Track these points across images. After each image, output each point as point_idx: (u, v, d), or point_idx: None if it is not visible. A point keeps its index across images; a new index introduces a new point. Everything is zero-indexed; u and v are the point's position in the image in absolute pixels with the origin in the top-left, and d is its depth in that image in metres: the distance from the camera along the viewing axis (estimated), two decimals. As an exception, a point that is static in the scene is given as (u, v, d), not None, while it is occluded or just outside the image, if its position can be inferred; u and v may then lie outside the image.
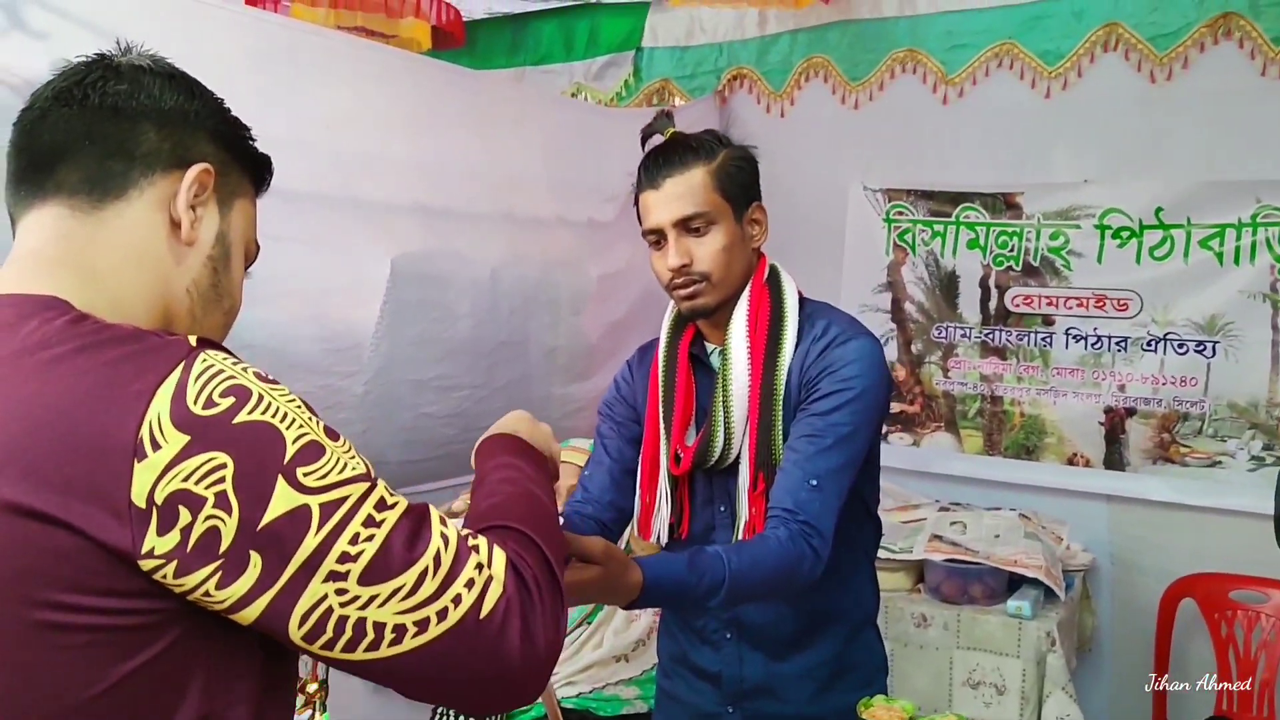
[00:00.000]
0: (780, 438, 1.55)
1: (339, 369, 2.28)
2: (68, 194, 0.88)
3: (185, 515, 0.74)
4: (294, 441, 0.78)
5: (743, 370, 1.57)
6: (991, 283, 3.26)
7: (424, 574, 0.80)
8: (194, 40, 1.98)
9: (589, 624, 2.21)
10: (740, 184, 1.58)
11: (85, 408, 0.75)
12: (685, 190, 1.53)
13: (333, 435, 0.82)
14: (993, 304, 3.27)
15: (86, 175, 0.88)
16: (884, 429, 2.49)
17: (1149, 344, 3.03)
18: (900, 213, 3.38)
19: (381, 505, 0.81)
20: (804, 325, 1.60)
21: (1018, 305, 3.22)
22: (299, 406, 0.81)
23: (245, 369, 0.81)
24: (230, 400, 0.77)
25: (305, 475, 0.77)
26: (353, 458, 0.82)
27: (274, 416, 0.78)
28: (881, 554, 2.29)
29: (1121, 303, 3.05)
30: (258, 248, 1.03)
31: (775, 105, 3.52)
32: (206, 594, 0.76)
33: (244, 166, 0.98)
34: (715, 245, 1.55)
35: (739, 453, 1.58)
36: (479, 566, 0.83)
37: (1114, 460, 3.10)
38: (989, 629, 2.67)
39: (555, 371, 2.92)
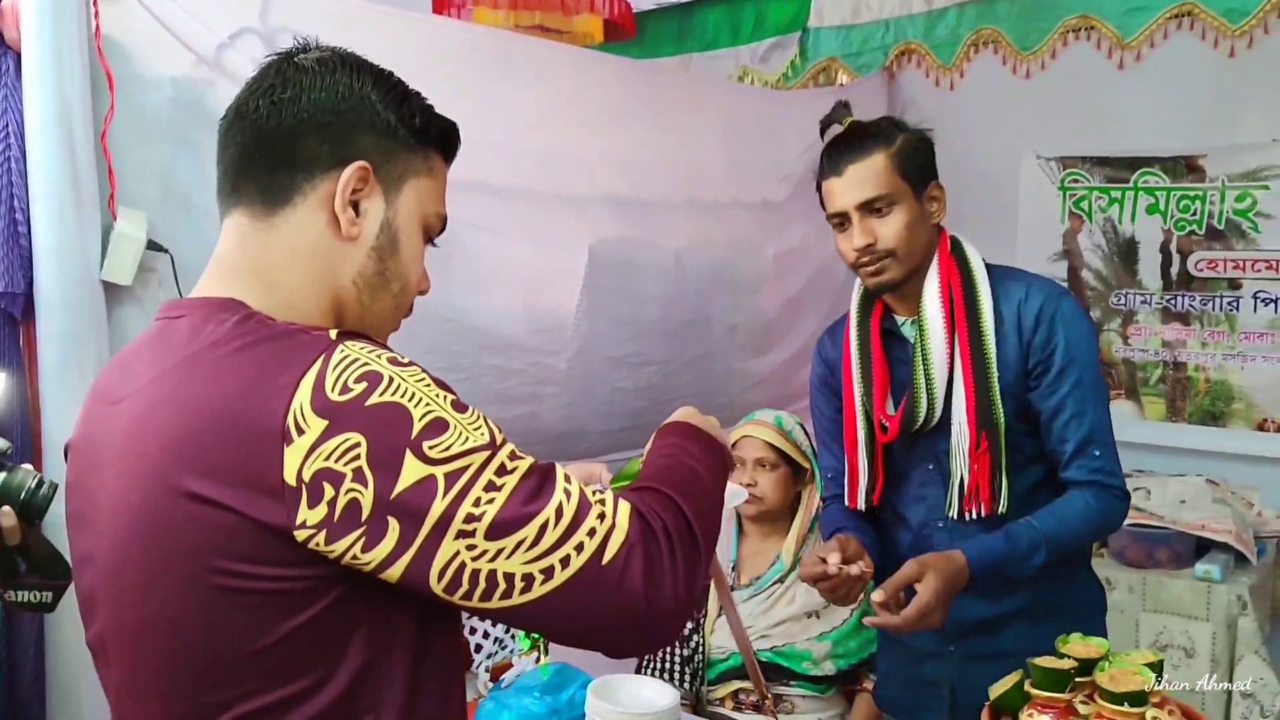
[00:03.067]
0: (998, 396, 1.68)
1: (546, 348, 2.50)
2: (247, 204, 0.99)
3: (329, 490, 0.83)
4: (420, 419, 0.86)
5: (940, 337, 1.70)
6: (1173, 248, 3.23)
7: (545, 525, 0.87)
8: (418, 53, 2.17)
9: (783, 582, 2.34)
10: (918, 165, 1.70)
11: (243, 400, 0.86)
12: (867, 175, 1.67)
13: (460, 408, 0.90)
14: (1174, 269, 3.24)
15: (259, 186, 0.98)
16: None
17: (1345, 305, 2.96)
18: (1075, 180, 3.37)
19: (501, 470, 0.88)
20: (997, 288, 1.72)
21: (1201, 270, 3.18)
22: (427, 385, 0.89)
23: (379, 355, 0.89)
24: (363, 385, 0.85)
25: (431, 448, 0.85)
26: (477, 429, 0.89)
27: (403, 397, 0.86)
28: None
29: (1315, 264, 2.98)
30: (441, 219, 1.06)
31: (944, 79, 3.55)
32: (354, 557, 0.85)
33: (413, 145, 1.01)
34: (898, 224, 1.68)
35: (941, 415, 1.71)
36: (600, 516, 0.90)
37: (1309, 425, 3.04)
38: (1177, 592, 2.69)
39: (736, 348, 3.07)
